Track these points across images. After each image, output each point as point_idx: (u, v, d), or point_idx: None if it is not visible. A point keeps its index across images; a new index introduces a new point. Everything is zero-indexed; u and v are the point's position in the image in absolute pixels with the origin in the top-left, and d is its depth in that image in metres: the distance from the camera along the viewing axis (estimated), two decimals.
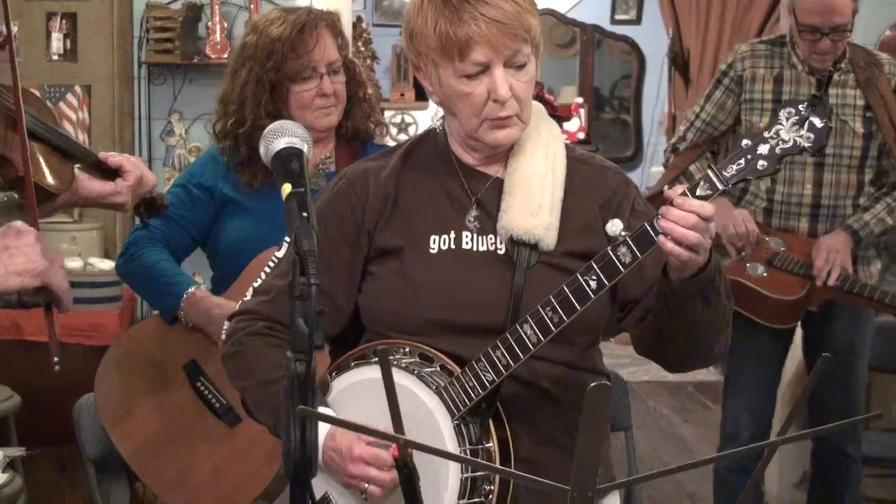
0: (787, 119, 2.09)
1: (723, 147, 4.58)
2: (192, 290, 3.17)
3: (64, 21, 5.45)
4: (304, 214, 1.98)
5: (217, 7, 5.64)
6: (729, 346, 2.37)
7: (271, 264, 2.49)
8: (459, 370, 2.24)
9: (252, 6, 5.53)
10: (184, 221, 3.27)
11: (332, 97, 3.19)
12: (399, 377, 2.16)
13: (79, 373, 4.37)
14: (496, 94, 2.23)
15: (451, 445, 2.20)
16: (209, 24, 5.64)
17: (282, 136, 2.15)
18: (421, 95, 9.34)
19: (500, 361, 2.19)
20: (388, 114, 9.14)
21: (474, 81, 2.25)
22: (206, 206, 3.27)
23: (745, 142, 2.11)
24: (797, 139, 2.08)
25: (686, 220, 2.06)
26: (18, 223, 2.06)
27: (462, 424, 2.23)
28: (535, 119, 2.38)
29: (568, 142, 2.48)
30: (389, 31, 9.48)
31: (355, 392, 2.32)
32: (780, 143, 2.08)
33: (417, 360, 2.29)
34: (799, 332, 4.50)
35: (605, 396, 1.32)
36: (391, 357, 2.26)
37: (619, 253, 2.11)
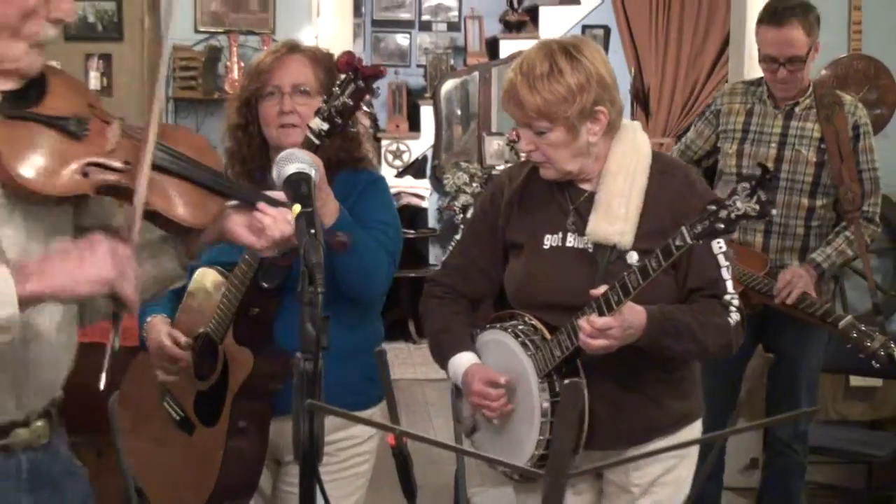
0: (743, 191, 2.34)
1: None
2: (149, 319, 2.97)
3: (100, 61, 5.45)
4: (312, 231, 1.98)
5: (234, 48, 5.66)
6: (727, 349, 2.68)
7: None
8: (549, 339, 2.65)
9: (265, 47, 5.54)
10: None
11: (292, 115, 2.93)
12: (509, 341, 2.71)
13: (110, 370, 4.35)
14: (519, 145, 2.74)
15: (537, 396, 2.64)
16: (227, 63, 5.65)
17: (292, 162, 2.16)
18: (414, 126, 9.34)
19: (563, 343, 2.61)
20: (384, 142, 9.13)
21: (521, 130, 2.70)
22: None
23: (710, 206, 2.37)
24: (748, 208, 2.34)
25: (590, 344, 2.49)
26: (96, 234, 2.01)
27: (547, 381, 2.64)
28: (622, 145, 2.71)
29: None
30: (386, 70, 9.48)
31: (487, 347, 2.79)
32: (735, 210, 2.34)
33: (531, 328, 2.71)
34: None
35: (578, 393, 1.33)
36: (512, 322, 2.75)
37: (629, 279, 2.45)
